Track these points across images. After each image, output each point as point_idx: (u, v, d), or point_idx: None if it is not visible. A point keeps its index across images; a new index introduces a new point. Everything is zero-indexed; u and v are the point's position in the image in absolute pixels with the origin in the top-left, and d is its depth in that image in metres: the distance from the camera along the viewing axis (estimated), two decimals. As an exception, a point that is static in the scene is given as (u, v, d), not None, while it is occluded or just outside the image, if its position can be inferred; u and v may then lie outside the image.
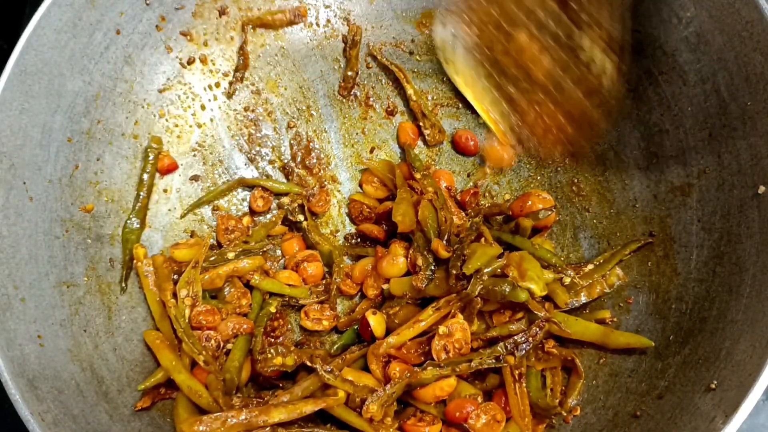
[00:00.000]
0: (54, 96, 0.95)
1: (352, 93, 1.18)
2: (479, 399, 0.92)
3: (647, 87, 0.99)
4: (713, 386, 0.78)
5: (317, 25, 1.15)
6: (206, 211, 1.12)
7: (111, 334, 0.96)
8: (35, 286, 0.89)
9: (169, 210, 1.10)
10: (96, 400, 0.88)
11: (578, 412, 0.92)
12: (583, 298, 0.99)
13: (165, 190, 1.09)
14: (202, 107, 1.12)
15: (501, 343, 0.91)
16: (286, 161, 1.16)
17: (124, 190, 1.05)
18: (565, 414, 0.92)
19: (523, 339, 0.91)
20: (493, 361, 0.90)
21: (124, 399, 0.92)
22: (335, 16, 1.15)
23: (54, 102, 0.95)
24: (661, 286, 0.95)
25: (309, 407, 0.88)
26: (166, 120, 1.09)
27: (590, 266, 1.01)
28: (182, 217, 1.10)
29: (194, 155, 1.12)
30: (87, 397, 0.87)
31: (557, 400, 0.93)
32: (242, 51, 1.11)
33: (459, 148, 1.17)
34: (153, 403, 0.93)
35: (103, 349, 0.94)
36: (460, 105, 1.17)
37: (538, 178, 1.12)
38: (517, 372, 0.92)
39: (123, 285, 1.00)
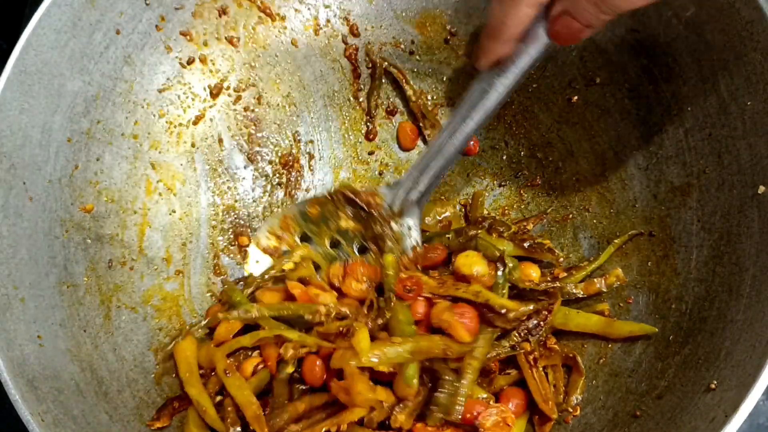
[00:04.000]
0: (54, 96, 0.95)
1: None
2: (491, 402, 0.92)
3: (647, 87, 0.99)
4: (713, 386, 0.78)
5: (317, 25, 1.15)
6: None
7: (111, 334, 0.96)
8: (35, 287, 0.90)
9: (171, 211, 1.10)
10: (96, 400, 0.88)
11: (578, 412, 0.92)
12: (580, 293, 0.99)
13: (167, 190, 1.10)
14: (202, 108, 1.12)
15: (514, 332, 0.92)
16: (285, 161, 1.17)
17: (124, 190, 1.05)
18: (569, 411, 0.92)
19: (534, 324, 0.92)
20: (509, 349, 0.92)
21: (124, 399, 0.92)
22: (335, 16, 1.15)
23: (54, 102, 0.95)
24: (661, 286, 0.95)
25: (327, 425, 0.87)
26: (166, 120, 1.09)
27: (585, 262, 1.02)
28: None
29: (194, 155, 1.12)
30: (87, 398, 0.87)
31: (561, 397, 0.94)
32: None
33: (459, 148, 1.17)
34: (171, 420, 0.93)
35: (102, 349, 0.94)
36: (460, 105, 1.17)
37: (538, 180, 1.12)
38: (531, 357, 0.93)
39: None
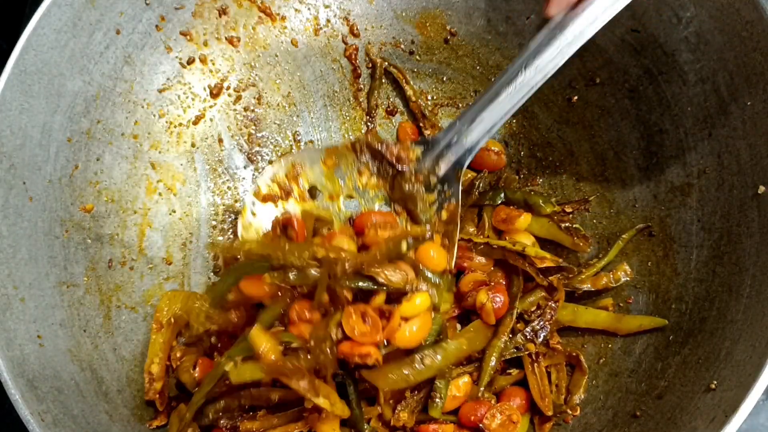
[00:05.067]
0: (54, 96, 0.95)
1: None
2: (493, 402, 0.92)
3: (647, 87, 0.99)
4: (713, 386, 0.78)
5: (317, 25, 1.15)
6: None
7: (111, 334, 0.97)
8: (35, 286, 0.90)
9: (171, 211, 1.10)
10: (96, 400, 0.88)
11: (578, 412, 0.92)
12: (588, 287, 0.99)
13: (167, 190, 1.10)
14: (202, 108, 1.12)
15: (519, 334, 0.93)
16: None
17: (124, 190, 1.05)
18: (569, 411, 0.92)
19: (540, 325, 0.93)
20: (515, 350, 0.92)
21: (124, 399, 0.92)
22: (335, 16, 1.15)
23: (54, 102, 0.95)
24: (661, 286, 0.95)
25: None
26: (166, 120, 1.09)
27: (595, 260, 1.02)
28: None
29: (194, 155, 1.12)
30: (87, 397, 0.87)
31: (563, 397, 0.94)
32: None
33: (458, 147, 1.17)
34: (168, 419, 0.93)
35: (102, 349, 0.94)
36: (460, 105, 1.17)
37: (538, 180, 1.12)
38: (534, 353, 0.93)
39: None
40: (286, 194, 0.93)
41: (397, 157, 0.91)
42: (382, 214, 0.89)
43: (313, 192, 0.96)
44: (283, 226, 0.86)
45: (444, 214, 0.89)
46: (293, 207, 0.92)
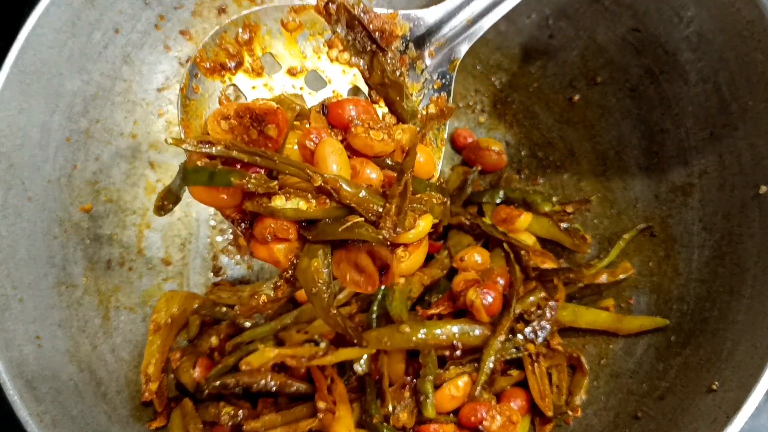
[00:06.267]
0: (53, 95, 0.94)
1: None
2: (493, 403, 0.92)
3: (648, 86, 0.99)
4: (715, 387, 0.78)
5: (317, 24, 1.15)
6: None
7: (109, 335, 0.96)
8: (34, 287, 0.89)
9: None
10: (95, 401, 0.88)
11: (579, 413, 0.92)
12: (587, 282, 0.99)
13: (164, 190, 1.09)
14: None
15: (519, 335, 0.92)
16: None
17: (123, 190, 1.04)
18: (570, 412, 0.91)
19: (540, 326, 0.92)
20: (514, 350, 0.92)
21: (123, 400, 0.92)
22: (335, 15, 1.15)
23: (53, 101, 0.94)
24: (663, 287, 0.94)
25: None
26: (166, 119, 1.09)
27: (596, 260, 1.01)
28: None
29: (193, 155, 1.12)
30: (86, 398, 0.87)
31: (564, 398, 0.93)
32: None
33: (457, 146, 1.17)
34: (168, 420, 0.93)
35: (101, 349, 0.94)
36: (460, 105, 1.17)
37: (539, 180, 1.12)
38: (534, 353, 0.93)
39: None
40: (237, 65, 0.75)
41: (380, 30, 0.72)
42: (359, 102, 0.71)
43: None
44: (257, 119, 0.65)
45: (432, 108, 0.75)
46: (244, 82, 0.74)
